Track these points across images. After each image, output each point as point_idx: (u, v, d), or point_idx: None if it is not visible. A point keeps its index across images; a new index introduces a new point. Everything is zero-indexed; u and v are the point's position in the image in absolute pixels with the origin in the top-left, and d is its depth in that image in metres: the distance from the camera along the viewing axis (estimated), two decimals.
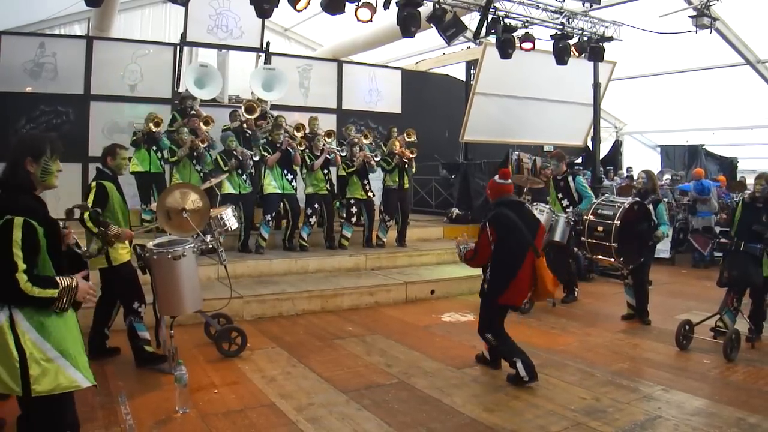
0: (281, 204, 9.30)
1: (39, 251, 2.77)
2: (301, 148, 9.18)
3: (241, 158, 8.72)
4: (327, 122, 11.41)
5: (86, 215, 4.63)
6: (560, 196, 8.36)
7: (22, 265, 2.67)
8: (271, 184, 9.09)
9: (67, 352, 2.83)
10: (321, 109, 12.43)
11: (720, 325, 6.33)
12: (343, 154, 9.63)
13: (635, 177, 11.44)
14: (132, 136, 9.45)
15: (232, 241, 9.09)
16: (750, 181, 11.18)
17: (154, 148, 9.28)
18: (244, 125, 9.65)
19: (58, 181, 3.00)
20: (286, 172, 9.14)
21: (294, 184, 9.27)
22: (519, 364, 5.04)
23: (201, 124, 9.14)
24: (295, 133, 9.77)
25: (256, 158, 8.97)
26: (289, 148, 9.03)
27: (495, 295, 5.18)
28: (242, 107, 9.81)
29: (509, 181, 5.42)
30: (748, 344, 6.22)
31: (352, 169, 9.74)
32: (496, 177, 5.38)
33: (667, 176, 13.78)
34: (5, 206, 2.72)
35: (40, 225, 2.76)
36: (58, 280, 2.80)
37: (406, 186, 10.22)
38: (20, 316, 2.71)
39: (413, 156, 10.04)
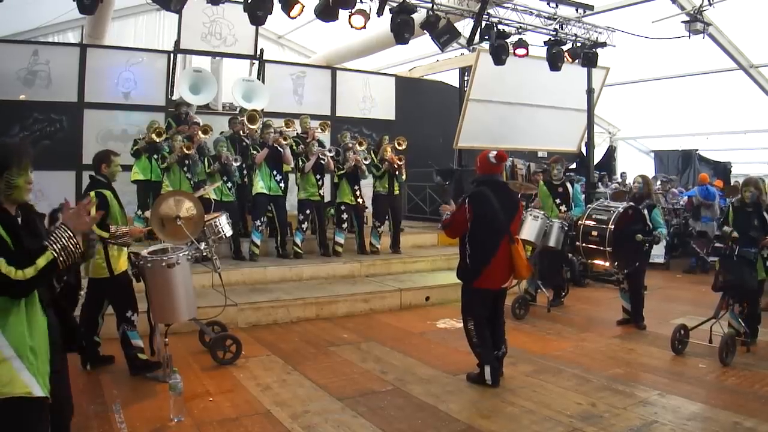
0: (269, 209, 9.26)
1: (7, 246, 2.54)
2: (286, 142, 9.07)
3: (225, 163, 8.69)
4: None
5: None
6: (558, 201, 8.33)
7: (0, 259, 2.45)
8: (259, 184, 9.02)
9: (25, 354, 2.58)
10: (315, 116, 12.40)
11: (732, 330, 6.30)
12: (332, 153, 9.55)
13: (629, 182, 11.42)
14: (133, 145, 9.49)
15: (225, 249, 9.06)
16: None
17: (156, 156, 9.29)
18: (241, 133, 9.59)
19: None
20: (275, 172, 9.04)
21: (282, 185, 9.17)
22: (487, 370, 5.15)
23: (200, 132, 9.11)
24: (285, 129, 9.68)
25: (237, 163, 8.91)
26: (276, 145, 8.96)
27: (469, 279, 5.25)
28: (244, 117, 9.74)
29: (501, 163, 5.36)
30: (743, 348, 6.23)
31: (342, 172, 9.69)
32: (491, 154, 5.27)
33: (659, 181, 13.79)
34: None
35: None
36: (43, 243, 2.58)
37: (396, 192, 10.17)
38: None
39: (402, 163, 10.02)
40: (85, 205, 2.75)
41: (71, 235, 2.65)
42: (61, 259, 2.58)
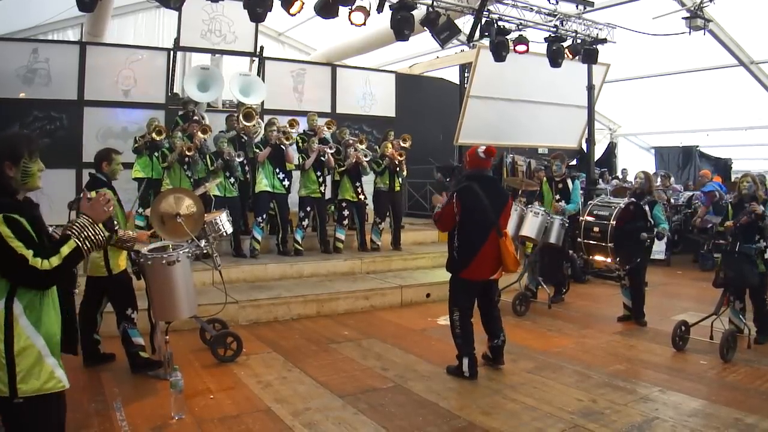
0: (271, 206, 9.26)
1: (32, 239, 2.59)
2: (289, 142, 9.08)
3: (228, 159, 8.68)
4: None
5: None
6: (558, 197, 8.32)
7: (28, 252, 2.50)
8: (262, 182, 9.01)
9: (56, 350, 2.71)
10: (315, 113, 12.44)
11: (732, 327, 6.33)
12: (332, 150, 9.54)
13: (630, 179, 11.38)
14: (134, 143, 9.50)
15: (226, 246, 9.06)
16: None
17: (156, 154, 9.29)
18: (241, 132, 9.56)
19: (42, 183, 2.79)
20: (278, 170, 9.05)
21: (286, 183, 9.18)
22: (465, 362, 5.24)
23: (199, 132, 9.10)
24: (289, 129, 9.65)
25: (240, 159, 8.91)
26: (278, 143, 8.94)
27: (457, 270, 5.31)
28: (240, 114, 9.73)
29: (490, 158, 5.39)
30: (744, 344, 6.22)
31: (343, 169, 9.70)
32: (479, 149, 5.32)
33: (659, 177, 13.72)
34: None
35: (22, 216, 2.58)
36: (66, 233, 2.66)
37: (397, 188, 10.14)
38: (20, 309, 2.55)
39: (402, 159, 10.00)
40: (104, 194, 2.87)
41: (93, 222, 2.74)
42: (85, 247, 2.68)
